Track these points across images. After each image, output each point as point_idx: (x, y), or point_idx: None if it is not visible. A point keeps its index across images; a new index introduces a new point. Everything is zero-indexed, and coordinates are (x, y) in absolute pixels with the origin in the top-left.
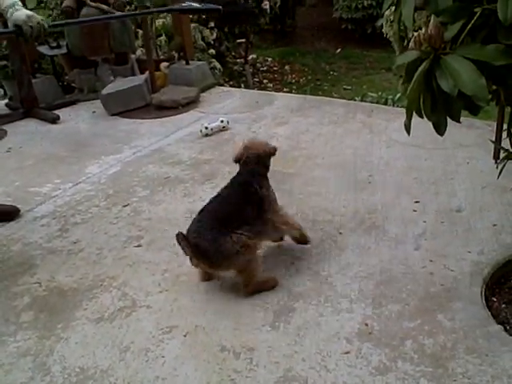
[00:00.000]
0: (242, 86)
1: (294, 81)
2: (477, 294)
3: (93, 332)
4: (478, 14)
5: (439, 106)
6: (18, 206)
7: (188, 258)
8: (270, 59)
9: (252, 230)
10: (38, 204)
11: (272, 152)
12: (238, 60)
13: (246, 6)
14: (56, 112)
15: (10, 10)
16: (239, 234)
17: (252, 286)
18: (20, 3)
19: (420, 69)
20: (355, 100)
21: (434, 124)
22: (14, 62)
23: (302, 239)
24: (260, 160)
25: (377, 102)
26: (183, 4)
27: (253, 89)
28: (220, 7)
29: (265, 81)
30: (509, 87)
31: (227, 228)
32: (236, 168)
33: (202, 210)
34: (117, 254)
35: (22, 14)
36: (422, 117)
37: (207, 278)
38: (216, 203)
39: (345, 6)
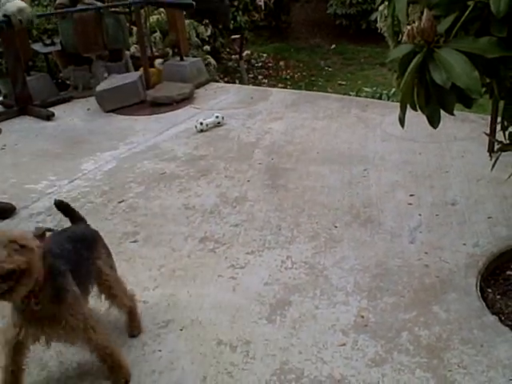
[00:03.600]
0: (237, 81)
1: (288, 76)
2: (472, 285)
3: None
4: (470, 7)
5: (433, 99)
6: (14, 203)
7: None
8: (264, 55)
9: None
10: (33, 201)
11: None
12: (233, 56)
13: (218, 5)
14: (51, 109)
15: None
16: None
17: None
18: None
19: (413, 62)
20: (350, 95)
21: (427, 117)
22: (8, 59)
23: None
24: None
25: (372, 97)
26: None
27: (248, 85)
28: (192, 3)
29: (260, 77)
30: (502, 80)
31: None
32: (232, 164)
33: None
34: (113, 250)
35: (13, 5)
36: (415, 110)
37: None
38: None
39: (339, 1)
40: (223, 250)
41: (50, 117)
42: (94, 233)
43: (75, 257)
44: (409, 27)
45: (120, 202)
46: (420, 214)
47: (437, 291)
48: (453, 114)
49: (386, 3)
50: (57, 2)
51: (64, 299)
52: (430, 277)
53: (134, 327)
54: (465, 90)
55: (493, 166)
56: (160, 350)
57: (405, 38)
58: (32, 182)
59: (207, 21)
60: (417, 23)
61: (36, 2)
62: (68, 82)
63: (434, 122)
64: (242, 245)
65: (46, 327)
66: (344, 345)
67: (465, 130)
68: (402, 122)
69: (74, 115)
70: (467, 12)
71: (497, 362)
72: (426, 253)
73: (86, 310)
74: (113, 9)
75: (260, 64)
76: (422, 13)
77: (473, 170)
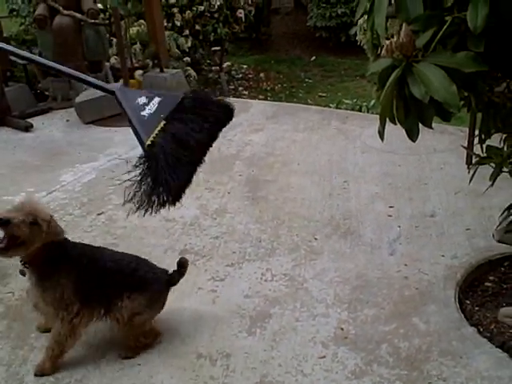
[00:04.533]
0: (218, 93)
1: (269, 88)
2: (450, 297)
3: None
4: (448, 22)
5: (412, 113)
6: None
7: None
8: (245, 67)
9: None
10: None
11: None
12: (213, 68)
13: None
14: (29, 120)
15: None
16: None
17: None
18: None
19: (392, 76)
20: (330, 107)
21: (406, 130)
22: None
23: None
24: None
25: (352, 109)
26: None
27: (228, 96)
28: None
29: (240, 88)
30: (479, 94)
31: None
32: (212, 176)
33: None
34: None
35: None
36: (395, 123)
37: None
38: None
39: (319, 14)
40: (203, 263)
41: (28, 128)
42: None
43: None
44: (387, 42)
45: (99, 214)
46: (399, 226)
47: (416, 303)
48: (431, 128)
49: (365, 17)
50: (36, 13)
51: (43, 286)
52: (410, 289)
53: (130, 352)
54: (443, 104)
55: (471, 179)
56: (139, 364)
57: (384, 52)
58: (10, 193)
59: (187, 32)
60: (395, 38)
61: (15, 13)
62: (47, 93)
63: (412, 135)
64: (222, 257)
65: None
66: (324, 357)
67: (444, 142)
68: (381, 135)
69: (52, 126)
70: (445, 27)
71: (476, 373)
72: (405, 265)
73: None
74: (92, 20)
75: (240, 75)
76: (400, 27)
77: (451, 182)
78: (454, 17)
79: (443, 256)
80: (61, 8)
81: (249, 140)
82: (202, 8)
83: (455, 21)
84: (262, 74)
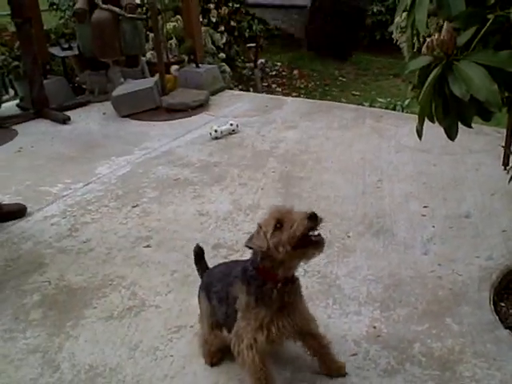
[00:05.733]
0: (251, 89)
1: (302, 86)
2: (485, 298)
3: (102, 330)
4: (490, 20)
5: (451, 111)
6: (28, 205)
7: None
8: (279, 64)
9: (217, 310)
10: (48, 203)
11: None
12: (248, 64)
13: None
14: (67, 113)
15: None
16: (207, 298)
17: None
18: None
19: (432, 74)
20: (364, 105)
21: (445, 129)
22: (25, 62)
23: None
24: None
25: (386, 108)
26: None
27: (261, 93)
28: None
29: (273, 85)
30: None
31: (207, 289)
32: (246, 171)
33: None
34: (126, 254)
35: None
36: (433, 122)
37: None
38: (218, 268)
39: None
40: (236, 258)
41: (66, 120)
42: None
43: None
44: (429, 39)
45: (134, 207)
46: (433, 226)
47: (450, 304)
48: (471, 127)
49: (403, 15)
50: (76, 7)
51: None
52: (443, 289)
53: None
54: (484, 103)
55: (510, 180)
56: (172, 355)
57: (424, 49)
58: (47, 184)
59: (223, 28)
60: (436, 35)
61: (55, 7)
62: (84, 87)
63: (451, 134)
64: None
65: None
66: (356, 355)
67: (479, 142)
68: (419, 133)
69: (89, 119)
70: (487, 25)
71: (510, 376)
72: (439, 265)
73: None
74: (130, 15)
75: (274, 72)
76: (441, 25)
77: (487, 182)
78: (497, 15)
79: (478, 257)
80: (100, 2)
81: (283, 137)
82: (237, 4)
83: (498, 19)
84: (295, 72)
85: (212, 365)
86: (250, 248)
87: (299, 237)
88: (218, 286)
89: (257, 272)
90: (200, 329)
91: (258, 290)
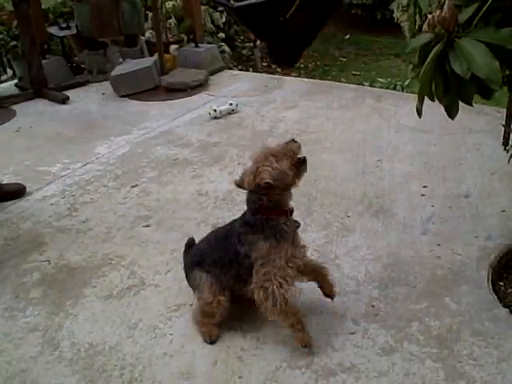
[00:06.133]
0: (251, 69)
1: (302, 66)
2: (483, 278)
3: (101, 309)
4: None
5: (452, 90)
6: (27, 185)
7: None
8: None
9: (221, 277)
10: (47, 183)
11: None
12: (247, 44)
13: None
14: (65, 93)
15: None
16: (203, 272)
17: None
18: None
19: (433, 51)
20: (364, 85)
21: (445, 107)
22: (23, 42)
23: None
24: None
25: (386, 88)
26: None
27: (261, 73)
28: None
29: (273, 65)
30: None
31: (200, 264)
32: (245, 151)
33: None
34: (125, 234)
35: None
36: (433, 100)
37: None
38: (206, 240)
39: None
40: None
41: (64, 100)
42: None
43: None
44: (430, 16)
45: (133, 187)
46: (433, 206)
47: (448, 283)
48: (471, 105)
49: None
50: None
51: None
52: (442, 268)
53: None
54: (485, 81)
55: (509, 160)
56: (171, 334)
57: (425, 26)
58: (46, 164)
59: (222, 8)
60: (438, 12)
61: None
62: (83, 66)
63: (452, 112)
64: None
65: None
66: (354, 333)
67: (480, 122)
68: (419, 112)
69: (88, 99)
70: (489, 2)
71: (508, 354)
72: (438, 244)
73: None
74: None
75: None
76: (442, 2)
77: (487, 162)
78: None
79: (477, 237)
80: None
81: (282, 117)
82: None
83: None
84: None
85: (211, 342)
86: (239, 186)
87: (297, 158)
88: (216, 254)
89: (265, 214)
90: (195, 309)
91: (274, 229)
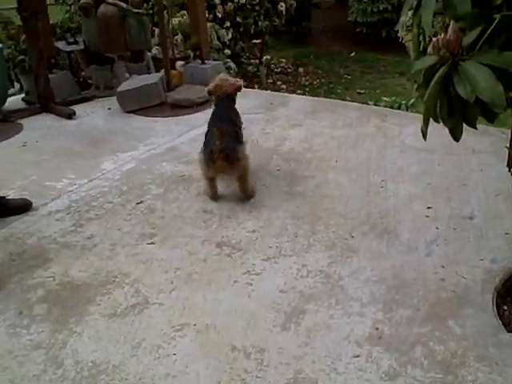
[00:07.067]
0: (256, 86)
1: (307, 83)
2: (488, 301)
3: (105, 327)
4: (496, 20)
5: (456, 112)
6: (33, 200)
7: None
8: (284, 60)
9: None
10: (53, 198)
11: (238, 89)
12: (253, 60)
13: None
14: (72, 107)
15: None
16: (242, 146)
17: (249, 189)
18: None
19: (438, 74)
20: (369, 104)
21: (450, 129)
22: (31, 57)
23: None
24: (231, 97)
25: (391, 107)
26: None
27: (266, 90)
28: None
29: (278, 82)
30: None
31: (237, 141)
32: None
33: (213, 132)
34: (130, 251)
35: None
36: (438, 122)
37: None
38: (223, 127)
39: (360, 9)
40: (239, 256)
41: (71, 115)
42: None
43: None
44: (434, 39)
45: (138, 203)
46: (437, 227)
47: (453, 306)
48: (475, 128)
49: (409, 14)
50: (81, 1)
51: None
52: (446, 291)
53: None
54: (488, 104)
55: None
56: (175, 354)
57: (430, 49)
58: (52, 179)
59: (228, 24)
60: (442, 35)
61: (61, 1)
62: (89, 81)
63: (456, 134)
64: (259, 251)
65: None
66: (358, 356)
67: (484, 143)
68: (424, 134)
69: (94, 114)
70: (493, 25)
71: None
72: (442, 266)
73: None
74: (136, 10)
75: (279, 69)
76: (446, 24)
77: (491, 184)
78: (503, 15)
79: (481, 259)
80: None
81: (287, 134)
82: (243, 0)
83: (504, 19)
84: (300, 69)
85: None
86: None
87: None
88: (232, 127)
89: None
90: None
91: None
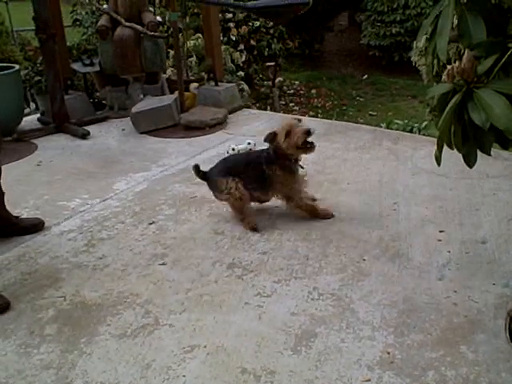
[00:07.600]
0: (269, 108)
1: (319, 105)
2: (501, 327)
3: (115, 348)
4: (511, 49)
5: (470, 139)
6: (45, 219)
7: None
8: (297, 83)
9: (248, 187)
10: (65, 218)
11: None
12: (266, 82)
13: None
14: (86, 128)
15: None
16: (234, 180)
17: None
18: None
19: (452, 101)
20: (381, 126)
21: (464, 156)
22: (48, 77)
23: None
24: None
25: (403, 130)
26: (257, 1)
27: (279, 111)
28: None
29: (291, 104)
30: None
31: (229, 175)
32: None
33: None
34: (141, 271)
35: None
36: (452, 148)
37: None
38: (232, 159)
39: (373, 32)
40: (251, 278)
41: (85, 135)
42: None
43: None
44: (449, 67)
45: (150, 224)
46: (449, 251)
47: (465, 331)
48: (489, 155)
49: (423, 39)
50: (98, 24)
51: None
52: (459, 316)
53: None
54: (503, 132)
55: None
56: (184, 376)
57: (444, 77)
58: (65, 199)
59: (242, 47)
60: (457, 63)
61: (78, 23)
62: (104, 102)
63: (470, 161)
64: (270, 273)
65: None
66: (369, 380)
67: (497, 167)
68: (438, 160)
69: (108, 135)
70: (508, 54)
71: None
72: (454, 291)
73: None
74: (152, 33)
75: (292, 91)
76: (461, 52)
77: (504, 208)
78: None
79: (494, 284)
80: (122, 20)
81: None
82: (257, 23)
83: None
84: (313, 91)
85: (253, 229)
86: (268, 142)
87: (299, 144)
88: (243, 169)
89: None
90: (234, 210)
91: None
